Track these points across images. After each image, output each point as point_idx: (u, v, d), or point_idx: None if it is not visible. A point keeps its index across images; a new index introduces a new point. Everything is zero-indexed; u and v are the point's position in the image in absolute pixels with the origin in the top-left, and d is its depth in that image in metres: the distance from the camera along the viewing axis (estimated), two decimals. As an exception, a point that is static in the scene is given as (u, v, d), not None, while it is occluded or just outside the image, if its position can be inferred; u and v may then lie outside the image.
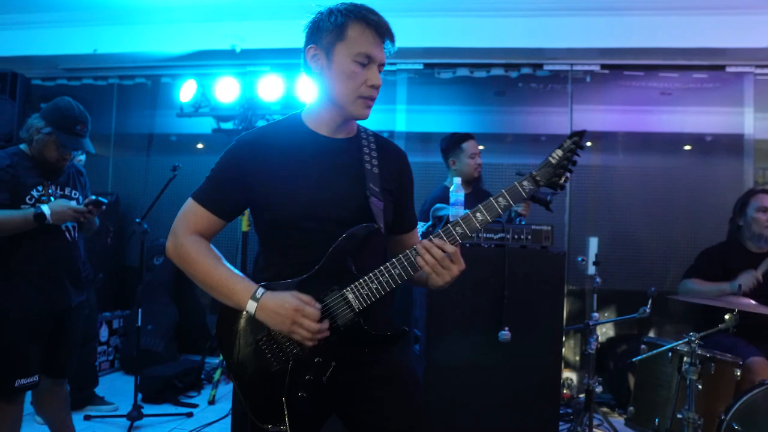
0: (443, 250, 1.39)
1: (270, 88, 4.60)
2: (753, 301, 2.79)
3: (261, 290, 1.41)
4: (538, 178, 1.42)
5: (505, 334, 2.53)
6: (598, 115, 5.17)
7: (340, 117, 1.50)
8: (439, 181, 3.78)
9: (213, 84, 4.68)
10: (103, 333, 4.80)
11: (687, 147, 5.28)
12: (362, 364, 1.49)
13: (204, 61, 5.14)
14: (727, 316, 2.65)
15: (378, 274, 1.42)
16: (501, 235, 2.67)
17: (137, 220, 3.63)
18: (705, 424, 2.70)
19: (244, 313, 1.43)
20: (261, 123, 4.84)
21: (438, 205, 2.93)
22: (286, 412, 1.43)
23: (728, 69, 4.87)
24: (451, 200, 2.69)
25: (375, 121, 3.59)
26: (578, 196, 4.82)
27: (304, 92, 4.59)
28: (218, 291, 1.44)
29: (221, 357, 4.29)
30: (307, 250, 1.44)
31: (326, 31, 1.44)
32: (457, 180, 2.73)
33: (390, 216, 1.55)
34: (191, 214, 1.49)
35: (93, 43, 4.95)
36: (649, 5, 4.38)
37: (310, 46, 1.48)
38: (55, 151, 2.52)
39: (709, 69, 4.89)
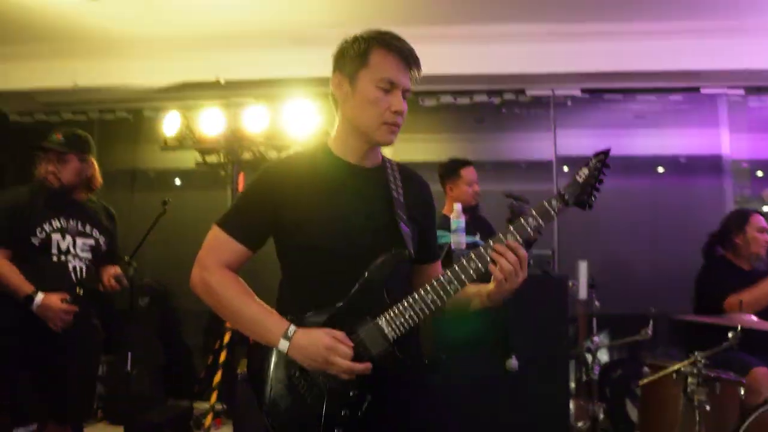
0: (517, 254, 1.36)
1: (255, 120, 4.55)
2: (754, 317, 2.81)
3: (293, 328, 1.38)
4: (566, 197, 1.42)
5: (513, 362, 2.48)
6: (580, 140, 5.23)
7: (366, 144, 1.51)
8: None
9: (197, 116, 4.60)
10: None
11: (661, 169, 5.35)
12: (396, 397, 1.46)
13: (188, 93, 5.04)
14: (730, 334, 2.65)
15: (412, 302, 1.39)
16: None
17: (126, 258, 3.47)
18: (714, 445, 2.68)
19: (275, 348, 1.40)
20: (246, 155, 4.79)
21: (438, 232, 2.90)
22: None
23: (703, 90, 5.00)
24: (453, 227, 2.66)
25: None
26: (564, 220, 4.83)
27: (289, 123, 4.56)
28: (249, 328, 1.45)
29: (211, 401, 4.16)
30: (338, 277, 1.43)
31: (350, 59, 1.46)
32: (458, 206, 2.71)
33: (416, 244, 1.53)
34: (218, 244, 1.48)
35: (73, 76, 4.84)
36: (627, 30, 4.49)
37: (334, 74, 1.50)
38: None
39: (684, 91, 5.02)
